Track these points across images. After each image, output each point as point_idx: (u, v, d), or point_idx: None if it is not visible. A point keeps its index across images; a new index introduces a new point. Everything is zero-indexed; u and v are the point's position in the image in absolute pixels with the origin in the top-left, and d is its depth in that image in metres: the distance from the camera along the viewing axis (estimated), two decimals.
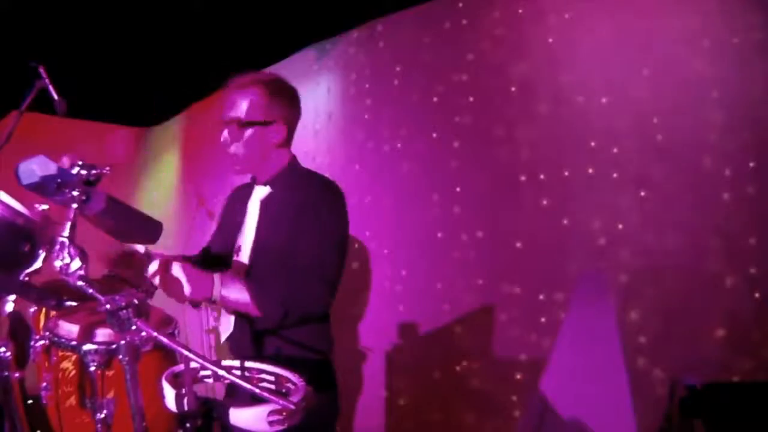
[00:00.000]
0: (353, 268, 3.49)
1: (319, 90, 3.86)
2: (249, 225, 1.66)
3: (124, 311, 0.96)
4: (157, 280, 1.31)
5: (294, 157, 1.69)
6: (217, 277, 1.42)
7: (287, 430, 0.97)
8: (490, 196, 3.00)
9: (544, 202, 2.82)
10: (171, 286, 1.34)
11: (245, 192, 1.74)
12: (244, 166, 1.63)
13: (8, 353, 1.40)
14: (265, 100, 1.58)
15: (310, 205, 1.55)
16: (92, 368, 1.32)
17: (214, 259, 1.75)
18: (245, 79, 1.61)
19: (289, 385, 1.16)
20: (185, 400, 1.02)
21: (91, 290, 0.99)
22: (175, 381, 1.07)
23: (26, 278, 1.31)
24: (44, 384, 1.42)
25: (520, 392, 2.78)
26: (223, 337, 1.69)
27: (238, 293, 1.44)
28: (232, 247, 1.71)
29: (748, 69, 2.43)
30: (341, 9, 3.49)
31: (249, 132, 1.57)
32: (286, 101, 1.63)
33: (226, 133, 1.60)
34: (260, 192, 1.67)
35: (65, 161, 1.06)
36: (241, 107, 1.57)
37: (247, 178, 1.76)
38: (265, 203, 1.65)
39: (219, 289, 1.41)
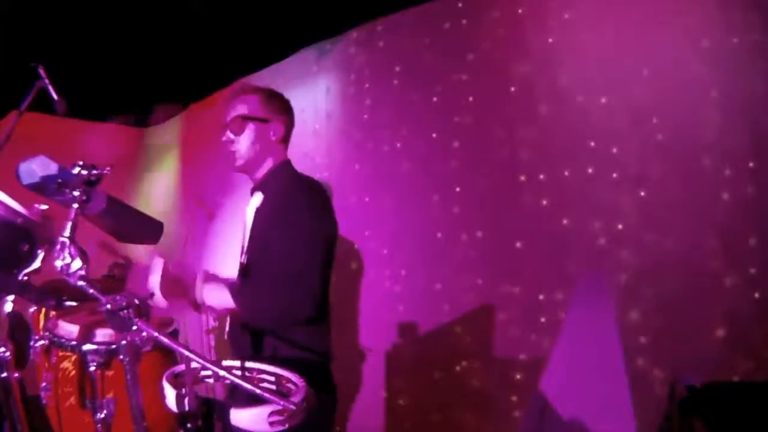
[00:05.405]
0: (353, 268, 3.48)
1: (319, 90, 3.86)
2: (246, 233, 1.71)
3: (125, 311, 0.96)
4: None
5: (287, 160, 1.74)
6: (199, 277, 1.43)
7: (287, 431, 0.97)
8: (490, 196, 3.00)
9: (544, 202, 2.82)
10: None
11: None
12: (244, 161, 1.69)
13: (8, 353, 1.40)
14: (264, 101, 1.71)
15: (284, 210, 1.57)
16: (92, 368, 1.32)
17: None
18: (243, 87, 1.74)
19: (290, 385, 1.16)
20: (186, 400, 1.02)
21: (92, 290, 0.99)
22: (176, 381, 1.07)
23: (26, 278, 1.31)
24: (44, 384, 1.42)
25: (520, 392, 2.78)
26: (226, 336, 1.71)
27: (219, 293, 1.45)
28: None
29: (748, 69, 2.42)
30: (341, 9, 3.49)
31: (250, 126, 1.66)
32: (281, 104, 1.75)
33: (228, 132, 1.68)
34: (256, 200, 1.71)
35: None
36: (242, 107, 1.68)
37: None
38: (258, 211, 1.70)
39: (201, 289, 1.42)
